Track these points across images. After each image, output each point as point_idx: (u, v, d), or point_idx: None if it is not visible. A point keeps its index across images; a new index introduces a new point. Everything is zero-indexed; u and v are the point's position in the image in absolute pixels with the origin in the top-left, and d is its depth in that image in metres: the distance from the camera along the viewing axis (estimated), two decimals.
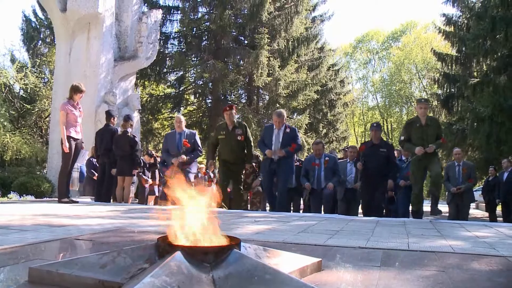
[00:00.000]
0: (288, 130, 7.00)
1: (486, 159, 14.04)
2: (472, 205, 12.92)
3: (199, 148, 7.75)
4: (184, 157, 7.24)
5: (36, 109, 18.07)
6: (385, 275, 2.25)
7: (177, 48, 19.60)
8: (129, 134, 8.09)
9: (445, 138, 6.21)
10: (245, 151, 7.32)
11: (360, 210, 8.06)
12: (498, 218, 10.50)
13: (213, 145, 7.65)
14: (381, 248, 3.11)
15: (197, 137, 7.81)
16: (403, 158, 8.18)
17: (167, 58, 19.06)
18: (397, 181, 7.94)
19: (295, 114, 20.50)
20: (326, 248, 3.03)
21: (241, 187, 7.47)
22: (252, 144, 7.46)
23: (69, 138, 6.62)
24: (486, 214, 11.73)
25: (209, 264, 1.74)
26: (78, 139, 6.82)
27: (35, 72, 18.22)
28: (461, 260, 2.71)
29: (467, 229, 4.48)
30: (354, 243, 3.30)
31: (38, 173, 13.59)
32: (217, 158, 8.34)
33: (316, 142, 8.27)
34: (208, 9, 18.95)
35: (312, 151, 8.74)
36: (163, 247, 1.83)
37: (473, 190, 9.24)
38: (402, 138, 6.21)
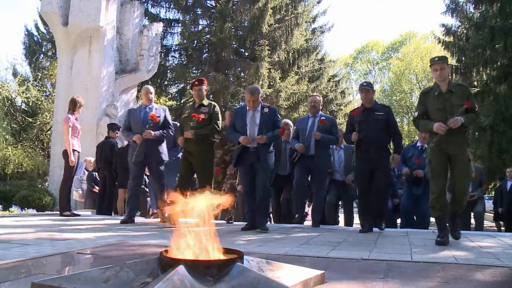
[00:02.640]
0: (266, 110, 5.38)
1: (488, 168, 14.01)
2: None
3: (171, 126, 6.17)
4: (152, 132, 5.78)
5: (38, 123, 18.10)
6: (388, 287, 2.24)
7: (178, 60, 19.67)
8: None
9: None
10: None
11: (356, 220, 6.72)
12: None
13: (179, 127, 6.00)
14: (384, 259, 3.10)
15: (168, 113, 6.29)
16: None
17: (168, 71, 19.12)
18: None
19: None
20: (328, 260, 3.02)
21: (211, 185, 5.65)
22: (219, 126, 5.84)
23: (73, 151, 6.67)
24: (490, 224, 11.69)
25: (212, 278, 1.74)
26: (79, 151, 6.88)
27: (36, 85, 18.30)
28: (465, 271, 2.70)
29: (470, 239, 4.46)
30: (356, 254, 3.29)
31: (40, 186, 13.59)
32: None
33: (312, 95, 6.46)
34: (208, 22, 19.05)
35: None
36: (166, 261, 1.83)
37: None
38: (416, 114, 4.55)
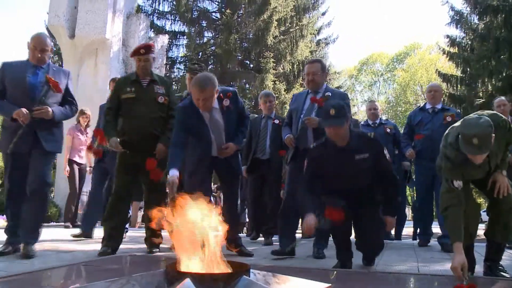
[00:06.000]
0: (227, 103, 3.70)
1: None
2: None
3: (75, 100, 3.97)
4: (49, 109, 3.56)
5: None
6: None
7: (183, 72, 19.77)
8: None
9: None
10: (165, 124, 4.03)
11: None
12: None
13: (112, 112, 4.02)
14: (391, 272, 3.08)
15: (71, 80, 4.04)
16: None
17: (174, 82, 19.23)
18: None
19: None
20: (335, 272, 3.00)
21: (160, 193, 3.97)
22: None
23: (72, 162, 6.71)
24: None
25: None
26: (82, 163, 6.87)
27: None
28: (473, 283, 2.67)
29: (477, 251, 4.41)
30: (364, 267, 3.27)
31: None
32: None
33: (311, 61, 4.22)
34: (213, 34, 19.18)
35: None
36: (172, 274, 1.82)
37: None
38: (455, 184, 2.74)
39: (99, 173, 5.26)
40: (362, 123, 6.17)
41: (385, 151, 3.25)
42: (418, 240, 5.13)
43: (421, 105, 5.18)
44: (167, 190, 3.43)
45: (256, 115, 5.77)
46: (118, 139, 3.84)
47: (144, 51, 3.98)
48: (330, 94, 3.92)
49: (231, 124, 3.75)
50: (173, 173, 3.38)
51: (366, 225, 3.17)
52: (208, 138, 3.68)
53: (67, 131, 6.81)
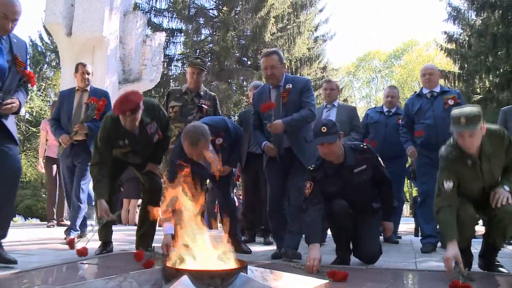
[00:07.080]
0: (220, 141, 3.73)
1: None
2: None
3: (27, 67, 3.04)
4: (18, 102, 2.85)
5: None
6: None
7: (181, 70, 19.74)
8: None
9: None
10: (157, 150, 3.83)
11: None
12: None
13: (104, 168, 3.54)
14: (389, 268, 3.08)
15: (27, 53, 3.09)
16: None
17: (171, 80, 19.21)
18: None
19: None
20: (333, 269, 3.00)
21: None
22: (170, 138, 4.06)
23: (49, 159, 6.27)
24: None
25: None
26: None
27: (40, 95, 18.43)
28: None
29: (475, 247, 4.43)
30: (362, 263, 3.27)
31: (44, 196, 13.59)
32: None
33: (267, 53, 3.78)
34: (211, 31, 19.17)
35: None
36: (170, 271, 1.82)
37: None
38: (447, 184, 2.81)
39: (68, 170, 5.02)
40: (376, 108, 5.66)
41: (379, 158, 3.30)
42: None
43: (417, 91, 4.61)
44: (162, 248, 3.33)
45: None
46: (108, 207, 3.45)
47: (130, 113, 3.30)
48: (291, 85, 3.66)
49: (226, 153, 3.80)
50: (168, 231, 3.28)
51: (363, 233, 3.24)
52: (204, 174, 3.77)
53: (41, 126, 6.62)
